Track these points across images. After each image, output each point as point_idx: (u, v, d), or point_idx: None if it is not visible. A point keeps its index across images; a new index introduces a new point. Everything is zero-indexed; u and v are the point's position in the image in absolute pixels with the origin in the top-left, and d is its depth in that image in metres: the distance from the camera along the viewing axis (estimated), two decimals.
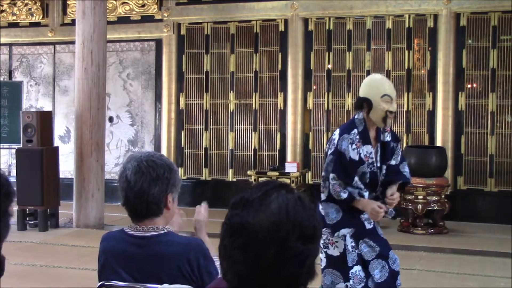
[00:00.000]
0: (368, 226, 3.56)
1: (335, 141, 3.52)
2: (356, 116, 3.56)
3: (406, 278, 5.42)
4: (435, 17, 8.45)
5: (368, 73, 8.73)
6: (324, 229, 3.55)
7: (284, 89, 9.07)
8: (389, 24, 8.67)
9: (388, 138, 3.62)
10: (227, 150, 9.41)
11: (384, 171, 3.57)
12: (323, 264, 3.57)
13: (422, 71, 8.61)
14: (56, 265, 5.87)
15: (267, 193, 1.32)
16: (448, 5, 8.31)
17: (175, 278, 2.04)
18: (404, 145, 8.53)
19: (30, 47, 10.36)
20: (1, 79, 10.31)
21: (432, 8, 8.43)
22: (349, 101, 8.83)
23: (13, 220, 8.03)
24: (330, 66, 8.94)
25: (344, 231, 3.51)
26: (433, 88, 8.48)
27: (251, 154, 9.31)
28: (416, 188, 7.38)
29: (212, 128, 9.50)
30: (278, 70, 9.15)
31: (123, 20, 9.78)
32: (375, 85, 3.51)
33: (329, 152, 3.55)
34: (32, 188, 7.48)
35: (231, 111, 9.38)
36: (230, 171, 9.39)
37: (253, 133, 9.29)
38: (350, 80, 8.83)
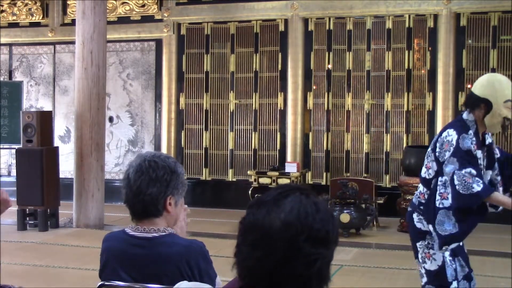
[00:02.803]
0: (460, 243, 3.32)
1: (453, 141, 3.12)
2: (465, 117, 3.19)
3: (406, 278, 5.43)
4: (435, 17, 8.45)
5: (368, 73, 8.74)
6: (419, 243, 3.29)
7: (284, 89, 9.07)
8: (389, 24, 8.67)
9: (490, 139, 3.30)
10: (227, 150, 9.41)
11: (488, 178, 3.27)
12: (424, 280, 3.31)
13: (422, 71, 8.61)
14: (56, 265, 5.87)
15: (283, 195, 1.36)
16: (448, 5, 8.31)
17: (175, 279, 2.04)
18: (404, 145, 8.54)
19: (30, 47, 10.36)
20: (1, 79, 10.31)
21: (432, 8, 8.43)
22: (349, 101, 8.84)
23: (13, 220, 8.04)
24: (330, 66, 8.94)
25: (454, 245, 3.20)
26: (433, 88, 8.48)
27: (251, 154, 9.31)
28: (416, 188, 7.34)
29: (212, 128, 9.50)
30: (278, 70, 9.15)
31: (123, 20, 9.78)
32: (501, 88, 3.11)
33: (447, 154, 3.13)
34: (32, 188, 7.48)
35: (231, 111, 9.38)
36: (230, 171, 9.39)
37: (253, 133, 9.29)
38: (350, 80, 8.83)
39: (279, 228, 1.31)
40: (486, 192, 3.05)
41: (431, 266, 3.24)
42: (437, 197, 3.15)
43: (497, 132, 3.24)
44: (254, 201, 1.39)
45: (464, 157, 3.10)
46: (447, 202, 3.11)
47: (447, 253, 3.21)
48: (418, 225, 3.31)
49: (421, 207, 3.31)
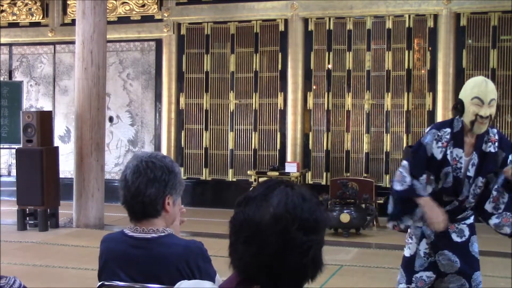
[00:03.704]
0: (457, 239, 3.36)
1: (425, 133, 3.40)
2: (457, 117, 3.34)
3: None
4: (435, 17, 8.45)
5: (368, 73, 8.75)
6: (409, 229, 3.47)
7: (284, 89, 9.07)
8: (389, 24, 8.67)
9: (492, 149, 3.32)
10: (227, 150, 9.41)
11: (479, 185, 3.32)
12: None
13: (422, 71, 8.61)
14: (56, 265, 5.87)
15: (269, 189, 1.39)
16: (448, 5, 8.31)
17: (174, 280, 2.03)
18: (404, 145, 8.54)
19: (30, 47, 10.36)
20: (1, 79, 10.31)
21: (432, 8, 8.43)
22: (349, 101, 8.83)
23: (13, 220, 8.04)
24: (330, 66, 8.94)
25: (407, 221, 3.38)
26: (433, 88, 8.48)
27: (251, 154, 9.31)
28: None
29: (212, 128, 9.50)
30: (278, 70, 9.15)
31: (123, 20, 9.78)
32: (469, 87, 3.29)
33: None
34: (32, 188, 7.48)
35: (231, 111, 9.38)
36: (230, 171, 9.39)
37: (253, 133, 9.29)
38: (350, 80, 8.83)
39: (270, 221, 1.34)
40: (406, 194, 3.28)
41: (406, 252, 3.48)
42: None
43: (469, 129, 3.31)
44: (241, 198, 1.42)
45: (415, 150, 3.36)
46: None
47: (423, 246, 3.39)
48: None
49: None
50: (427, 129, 3.42)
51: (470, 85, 3.29)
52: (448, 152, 3.28)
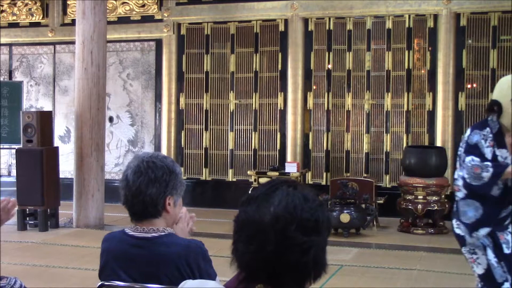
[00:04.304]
0: (506, 250, 3.28)
1: (465, 137, 3.29)
2: (489, 118, 3.27)
3: (406, 278, 5.43)
4: (435, 17, 8.45)
5: (368, 73, 8.74)
6: (463, 249, 3.34)
7: (284, 89, 9.07)
8: (389, 24, 8.67)
9: None
10: (227, 150, 9.41)
11: None
12: (479, 285, 3.36)
13: (422, 71, 8.61)
14: (56, 265, 5.87)
15: (271, 189, 1.42)
16: (448, 5, 8.31)
17: (174, 279, 2.03)
18: (404, 145, 8.54)
19: (30, 47, 10.36)
20: (1, 79, 10.31)
21: (432, 8, 8.43)
22: (349, 101, 8.83)
23: (13, 220, 8.03)
24: (330, 66, 8.93)
25: (483, 231, 3.23)
26: (433, 88, 8.48)
27: (251, 154, 9.31)
28: (416, 188, 7.38)
29: (212, 128, 9.50)
30: (278, 70, 9.15)
31: (123, 20, 9.78)
32: (505, 87, 3.19)
33: (461, 150, 3.30)
34: (32, 188, 7.48)
35: (231, 111, 9.38)
36: (230, 171, 9.39)
37: (253, 133, 9.29)
38: (350, 80, 8.83)
39: (270, 221, 1.36)
40: (498, 172, 3.14)
41: (479, 270, 3.30)
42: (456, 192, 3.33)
43: None
44: (244, 198, 1.45)
45: (468, 150, 3.23)
46: (461, 194, 3.26)
47: (491, 256, 3.23)
48: (457, 230, 3.36)
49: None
50: (467, 133, 3.32)
51: (506, 86, 3.20)
52: (497, 152, 3.22)
